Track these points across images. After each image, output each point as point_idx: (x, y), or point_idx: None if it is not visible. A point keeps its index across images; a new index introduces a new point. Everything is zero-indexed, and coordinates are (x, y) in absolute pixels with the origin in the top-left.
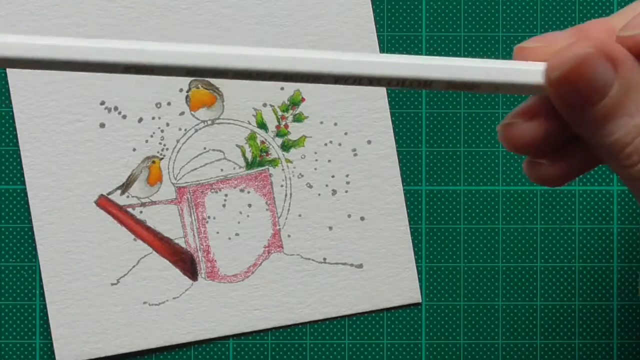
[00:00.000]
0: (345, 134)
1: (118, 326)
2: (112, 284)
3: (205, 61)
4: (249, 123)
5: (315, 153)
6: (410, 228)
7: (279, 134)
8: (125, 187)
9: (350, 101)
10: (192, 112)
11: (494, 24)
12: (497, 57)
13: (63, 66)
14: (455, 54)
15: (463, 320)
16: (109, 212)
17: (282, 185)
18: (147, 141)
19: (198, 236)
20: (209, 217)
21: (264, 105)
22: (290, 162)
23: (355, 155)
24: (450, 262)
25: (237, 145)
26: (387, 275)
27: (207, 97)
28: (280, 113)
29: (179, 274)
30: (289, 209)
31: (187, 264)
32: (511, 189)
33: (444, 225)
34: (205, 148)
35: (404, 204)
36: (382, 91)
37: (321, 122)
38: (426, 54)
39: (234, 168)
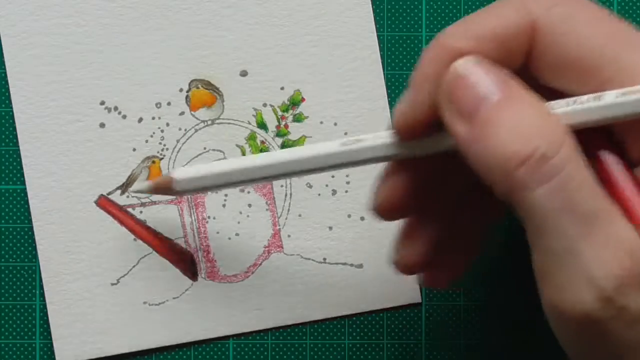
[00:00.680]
0: (345, 134)
1: (118, 326)
2: (112, 284)
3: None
4: (249, 123)
5: None
6: None
7: (279, 134)
8: (125, 187)
9: (350, 101)
10: (192, 112)
11: None
12: None
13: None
14: None
15: (463, 320)
16: (109, 212)
17: (282, 185)
18: (147, 141)
19: (198, 236)
20: (209, 217)
21: (264, 105)
22: None
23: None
24: None
25: (237, 145)
26: (387, 275)
27: (207, 97)
28: (280, 113)
29: (179, 274)
30: (289, 209)
31: (187, 264)
32: None
33: None
34: (205, 148)
35: None
36: (382, 91)
37: (321, 122)
38: None
39: None
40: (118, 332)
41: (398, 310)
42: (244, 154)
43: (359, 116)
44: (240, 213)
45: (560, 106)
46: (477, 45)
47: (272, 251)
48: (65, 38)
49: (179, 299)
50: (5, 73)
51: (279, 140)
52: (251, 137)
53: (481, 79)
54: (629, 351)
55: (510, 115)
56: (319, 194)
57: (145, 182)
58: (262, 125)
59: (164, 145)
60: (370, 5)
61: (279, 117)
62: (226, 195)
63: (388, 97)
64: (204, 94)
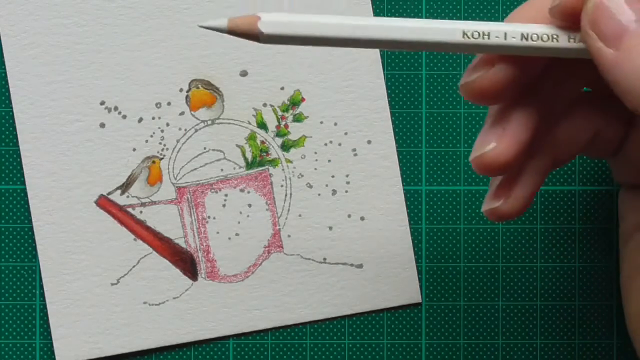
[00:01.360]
0: (345, 134)
1: (118, 326)
2: (112, 284)
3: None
4: (249, 123)
5: (315, 153)
6: (410, 228)
7: (279, 134)
8: (125, 187)
9: (350, 101)
10: (192, 112)
11: None
12: None
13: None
14: (455, 54)
15: (463, 320)
16: (109, 212)
17: (282, 185)
18: (147, 141)
19: (198, 236)
20: (209, 217)
21: (264, 105)
22: (290, 162)
23: (355, 155)
24: (450, 262)
25: (237, 145)
26: (387, 275)
27: (207, 97)
28: (280, 113)
29: (179, 274)
30: (289, 209)
31: (187, 264)
32: None
33: (444, 225)
34: (205, 148)
35: (404, 204)
36: (382, 91)
37: (321, 122)
38: (426, 54)
39: (234, 168)
40: (118, 332)
41: (398, 310)
42: (244, 154)
43: (359, 116)
44: (240, 213)
45: None
46: None
47: (272, 251)
48: (65, 38)
49: (179, 299)
50: (5, 73)
51: (279, 140)
52: (251, 137)
53: (622, 11)
54: None
55: None
56: (319, 194)
57: (225, 19)
58: (262, 125)
59: (164, 145)
60: (370, 6)
61: (279, 117)
62: (226, 195)
63: (388, 97)
64: (204, 94)
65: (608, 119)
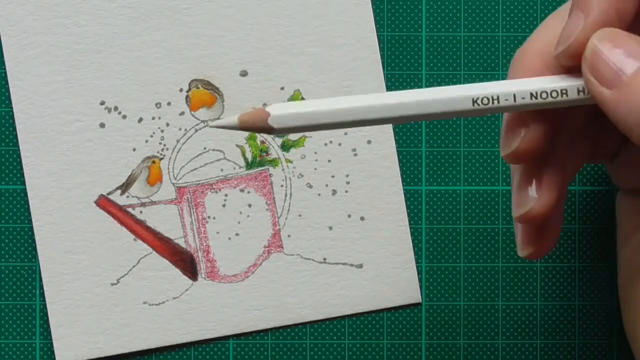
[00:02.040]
0: (345, 134)
1: (118, 326)
2: (112, 284)
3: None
4: None
5: (315, 153)
6: (410, 228)
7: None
8: (125, 187)
9: None
10: (192, 112)
11: (494, 24)
12: (497, 57)
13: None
14: (455, 54)
15: (463, 320)
16: (109, 212)
17: (282, 185)
18: (147, 141)
19: (198, 236)
20: (209, 217)
21: (264, 105)
22: (290, 162)
23: (355, 155)
24: (450, 262)
25: (237, 145)
26: (387, 275)
27: (207, 97)
28: None
29: (179, 274)
30: (289, 209)
31: (187, 264)
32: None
33: (444, 225)
34: (205, 148)
35: (404, 204)
36: (382, 91)
37: None
38: (426, 54)
39: (234, 168)
40: (118, 332)
41: (398, 310)
42: (244, 154)
43: None
44: (240, 213)
45: None
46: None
47: (272, 251)
48: (65, 38)
49: (179, 299)
50: (5, 73)
51: (279, 140)
52: (251, 137)
53: (613, 54)
54: None
55: None
56: (319, 194)
57: (235, 116)
58: None
59: (164, 145)
60: (370, 5)
61: None
62: (226, 195)
63: None
64: (204, 94)
65: (605, 128)
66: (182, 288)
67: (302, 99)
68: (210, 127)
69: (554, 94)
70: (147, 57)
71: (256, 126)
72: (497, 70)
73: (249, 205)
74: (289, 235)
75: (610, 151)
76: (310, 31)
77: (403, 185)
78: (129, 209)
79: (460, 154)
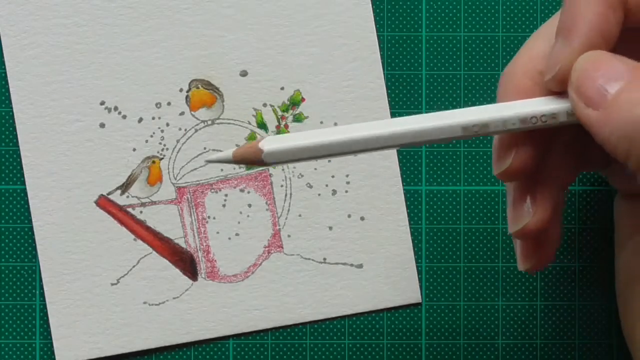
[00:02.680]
0: None
1: (118, 326)
2: (112, 284)
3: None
4: (249, 123)
5: None
6: (410, 228)
7: (279, 134)
8: (125, 187)
9: (350, 101)
10: (192, 112)
11: (494, 24)
12: (497, 57)
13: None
14: (455, 54)
15: (463, 320)
16: (109, 212)
17: (282, 185)
18: (147, 141)
19: (198, 236)
20: (209, 217)
21: (264, 105)
22: None
23: (355, 155)
24: (450, 262)
25: (237, 145)
26: (387, 275)
27: (207, 97)
28: (280, 113)
29: (179, 274)
30: (289, 209)
31: (187, 264)
32: None
33: (444, 225)
34: (205, 148)
35: (404, 204)
36: (382, 91)
37: (321, 122)
38: (426, 54)
39: (234, 168)
40: (118, 332)
41: (398, 310)
42: None
43: (358, 116)
44: (240, 213)
45: None
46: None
47: (272, 251)
48: (65, 38)
49: (179, 299)
50: (5, 73)
51: None
52: (251, 137)
53: (598, 75)
54: None
55: (630, 97)
56: (319, 194)
57: (230, 151)
58: (262, 125)
59: (164, 145)
60: (370, 5)
61: (279, 117)
62: (226, 195)
63: (388, 97)
64: (204, 94)
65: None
66: (182, 288)
67: (302, 98)
68: (206, 162)
69: (544, 119)
70: (147, 57)
71: (250, 160)
72: (497, 70)
73: (249, 205)
74: (289, 235)
75: (603, 159)
76: (310, 31)
77: (403, 185)
78: (129, 209)
79: (460, 154)
